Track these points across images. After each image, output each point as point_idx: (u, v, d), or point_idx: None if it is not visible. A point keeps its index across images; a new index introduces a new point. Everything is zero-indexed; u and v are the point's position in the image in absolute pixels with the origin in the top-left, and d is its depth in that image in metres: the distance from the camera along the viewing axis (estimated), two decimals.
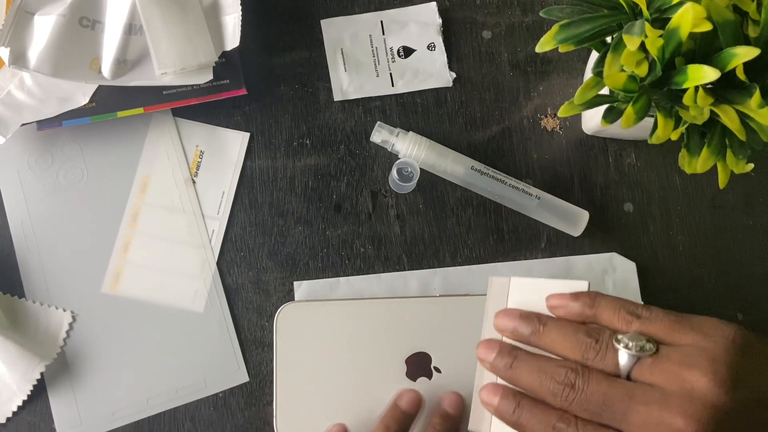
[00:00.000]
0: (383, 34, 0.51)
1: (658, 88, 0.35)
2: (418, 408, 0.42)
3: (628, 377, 0.32)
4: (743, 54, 0.32)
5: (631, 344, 0.32)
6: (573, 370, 0.33)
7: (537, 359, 0.35)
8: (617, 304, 0.34)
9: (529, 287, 0.38)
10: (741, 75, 0.33)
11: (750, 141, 0.35)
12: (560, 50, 0.36)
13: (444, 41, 0.51)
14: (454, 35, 0.52)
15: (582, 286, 0.36)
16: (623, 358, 0.32)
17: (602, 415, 0.32)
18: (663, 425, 0.30)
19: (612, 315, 0.34)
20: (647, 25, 0.33)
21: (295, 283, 0.47)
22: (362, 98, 0.50)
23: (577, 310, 0.35)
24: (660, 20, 0.34)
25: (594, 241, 0.49)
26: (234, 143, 0.49)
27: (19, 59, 0.45)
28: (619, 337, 0.33)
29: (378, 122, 0.49)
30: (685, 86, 0.33)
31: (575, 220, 0.48)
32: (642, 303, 0.35)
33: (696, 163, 0.37)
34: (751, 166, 0.37)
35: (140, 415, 0.45)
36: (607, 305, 0.34)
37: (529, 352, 0.35)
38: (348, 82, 0.50)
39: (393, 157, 0.49)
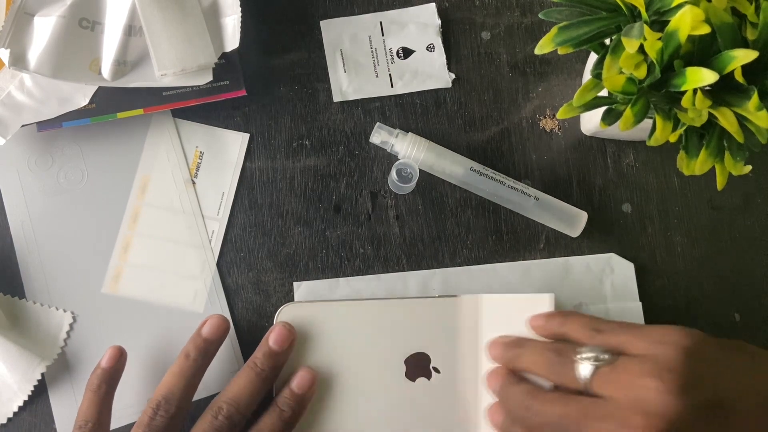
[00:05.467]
0: (382, 35, 0.52)
1: (657, 91, 0.35)
2: (222, 333, 0.42)
3: (590, 391, 0.34)
4: (741, 57, 0.32)
5: (589, 355, 0.34)
6: (529, 393, 0.36)
7: (512, 386, 0.38)
8: (583, 320, 0.38)
9: (498, 303, 0.43)
10: (739, 77, 0.33)
11: (748, 143, 0.35)
12: (559, 52, 0.36)
13: (443, 42, 0.51)
14: (454, 36, 0.52)
15: (545, 298, 0.41)
16: (583, 369, 0.34)
17: None
18: None
19: (578, 330, 0.37)
20: (646, 28, 0.33)
21: (295, 283, 0.47)
22: (361, 99, 0.50)
23: (553, 329, 0.39)
24: (659, 23, 0.34)
25: (592, 241, 0.49)
26: (234, 144, 0.49)
27: (19, 60, 0.45)
28: (579, 349, 0.35)
29: (377, 123, 0.49)
30: (683, 88, 0.33)
31: (574, 220, 0.48)
32: (607, 319, 0.38)
33: (694, 165, 0.37)
34: (749, 167, 0.37)
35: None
36: (574, 321, 0.38)
37: (515, 378, 0.39)
38: (347, 83, 0.50)
39: (392, 158, 0.49)
